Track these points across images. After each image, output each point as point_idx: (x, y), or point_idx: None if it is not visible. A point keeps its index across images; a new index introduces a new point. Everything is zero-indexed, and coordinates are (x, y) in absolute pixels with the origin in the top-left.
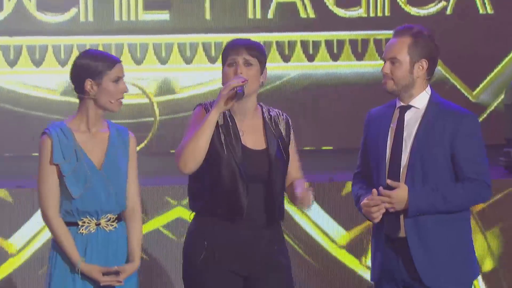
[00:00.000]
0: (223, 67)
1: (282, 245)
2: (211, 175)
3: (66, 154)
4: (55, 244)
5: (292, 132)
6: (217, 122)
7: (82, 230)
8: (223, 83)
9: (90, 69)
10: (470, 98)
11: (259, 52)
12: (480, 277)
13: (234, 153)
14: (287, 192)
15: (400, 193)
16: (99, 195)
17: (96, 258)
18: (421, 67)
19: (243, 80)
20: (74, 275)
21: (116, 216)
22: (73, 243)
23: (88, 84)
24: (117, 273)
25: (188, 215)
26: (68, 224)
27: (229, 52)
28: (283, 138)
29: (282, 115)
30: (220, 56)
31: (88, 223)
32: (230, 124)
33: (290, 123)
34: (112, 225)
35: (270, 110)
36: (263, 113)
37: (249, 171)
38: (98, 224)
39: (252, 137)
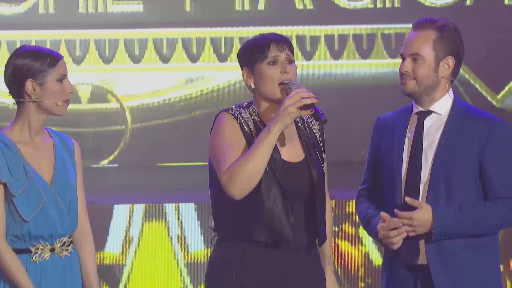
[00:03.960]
0: (252, 66)
1: (320, 270)
2: (250, 195)
3: (14, 171)
4: (1, 274)
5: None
6: (251, 132)
7: (36, 258)
8: (252, 84)
9: (31, 68)
10: (494, 102)
11: (293, 49)
12: None
13: (275, 168)
14: None
15: (423, 215)
16: (53, 215)
17: None
18: (446, 66)
19: (313, 95)
20: None
21: (70, 239)
22: (26, 273)
23: (30, 85)
24: None
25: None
26: (18, 251)
27: (268, 48)
28: (319, 144)
29: None
30: (203, 54)
31: (41, 249)
32: None
33: (323, 126)
34: (67, 250)
35: None
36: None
37: (291, 189)
38: (52, 250)
39: (288, 147)
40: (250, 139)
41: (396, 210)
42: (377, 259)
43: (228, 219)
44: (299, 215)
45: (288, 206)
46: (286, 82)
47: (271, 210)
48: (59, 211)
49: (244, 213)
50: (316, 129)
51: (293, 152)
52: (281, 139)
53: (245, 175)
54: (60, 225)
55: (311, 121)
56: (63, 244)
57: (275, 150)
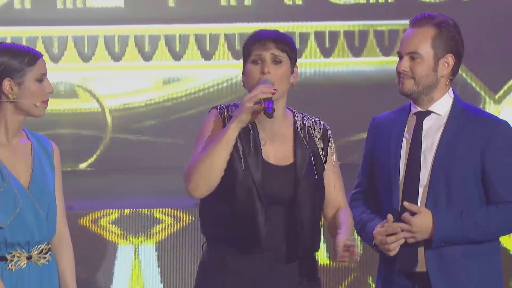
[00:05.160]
0: (244, 64)
1: (313, 281)
2: (226, 194)
3: None
4: None
5: (332, 145)
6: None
7: (11, 266)
8: (244, 83)
9: (8, 67)
10: (492, 102)
11: (289, 47)
12: None
13: (253, 168)
14: (329, 225)
15: (423, 220)
16: (30, 221)
17: None
18: (446, 64)
19: (273, 90)
20: None
21: (48, 246)
22: (1, 282)
23: (7, 84)
24: None
25: None
26: None
27: (253, 46)
28: (318, 153)
29: (320, 124)
30: (187, 52)
31: (18, 257)
32: (251, 132)
33: (330, 133)
34: (45, 258)
35: (305, 117)
36: (295, 121)
37: (270, 191)
38: (29, 258)
39: (277, 149)
40: None
41: (389, 216)
42: (322, 257)
43: (210, 221)
44: (280, 220)
45: (262, 209)
46: None
47: (243, 212)
48: (37, 216)
49: (222, 214)
50: (318, 137)
51: (282, 155)
52: (272, 140)
53: (200, 172)
54: (38, 232)
55: (312, 128)
56: (41, 252)
57: (258, 150)
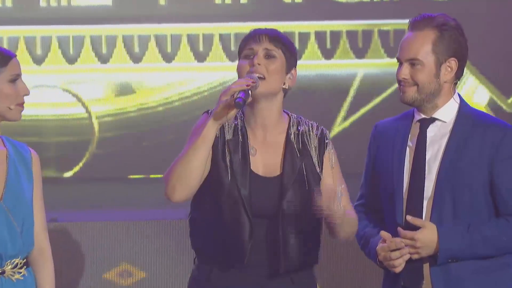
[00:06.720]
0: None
1: None
2: (212, 207)
3: None
4: None
5: (331, 151)
6: (225, 136)
7: None
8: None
9: None
10: (505, 107)
11: (284, 45)
12: None
13: (239, 179)
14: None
15: (427, 235)
16: (2, 234)
17: None
18: (449, 69)
19: (251, 82)
20: None
21: (24, 260)
22: None
23: None
24: None
25: None
26: None
27: (246, 42)
28: (311, 161)
29: (317, 129)
30: (179, 53)
31: None
32: (241, 140)
33: (327, 138)
34: (20, 273)
35: (301, 122)
36: (289, 127)
37: (257, 204)
38: (1, 273)
39: (267, 158)
40: (217, 143)
41: (399, 228)
42: None
43: (198, 235)
44: (266, 235)
45: (248, 223)
46: None
47: (228, 226)
48: (10, 229)
49: (208, 228)
50: (314, 143)
51: (271, 166)
52: (263, 149)
53: (177, 174)
54: (11, 245)
55: (308, 135)
56: (15, 266)
57: (246, 160)
